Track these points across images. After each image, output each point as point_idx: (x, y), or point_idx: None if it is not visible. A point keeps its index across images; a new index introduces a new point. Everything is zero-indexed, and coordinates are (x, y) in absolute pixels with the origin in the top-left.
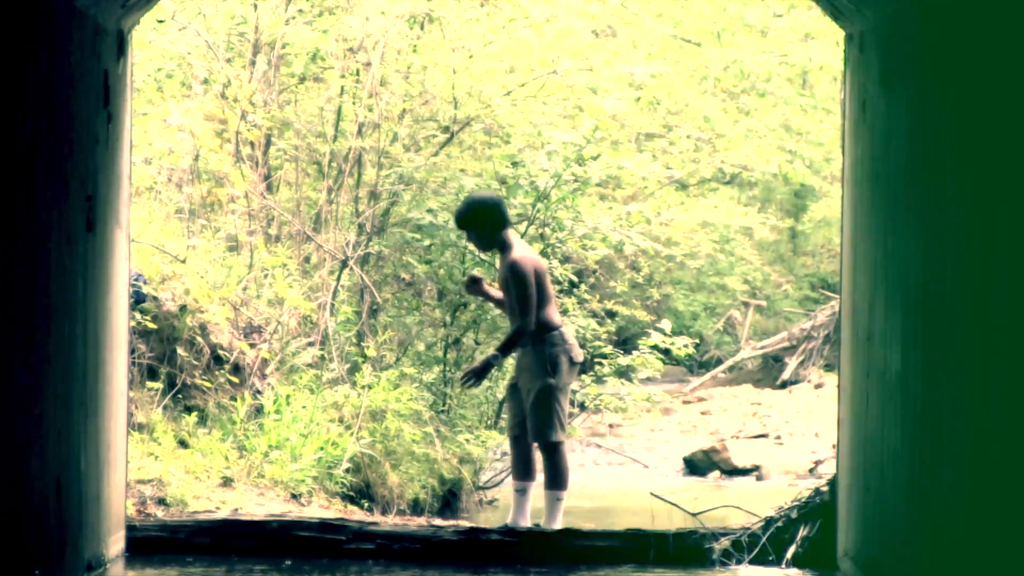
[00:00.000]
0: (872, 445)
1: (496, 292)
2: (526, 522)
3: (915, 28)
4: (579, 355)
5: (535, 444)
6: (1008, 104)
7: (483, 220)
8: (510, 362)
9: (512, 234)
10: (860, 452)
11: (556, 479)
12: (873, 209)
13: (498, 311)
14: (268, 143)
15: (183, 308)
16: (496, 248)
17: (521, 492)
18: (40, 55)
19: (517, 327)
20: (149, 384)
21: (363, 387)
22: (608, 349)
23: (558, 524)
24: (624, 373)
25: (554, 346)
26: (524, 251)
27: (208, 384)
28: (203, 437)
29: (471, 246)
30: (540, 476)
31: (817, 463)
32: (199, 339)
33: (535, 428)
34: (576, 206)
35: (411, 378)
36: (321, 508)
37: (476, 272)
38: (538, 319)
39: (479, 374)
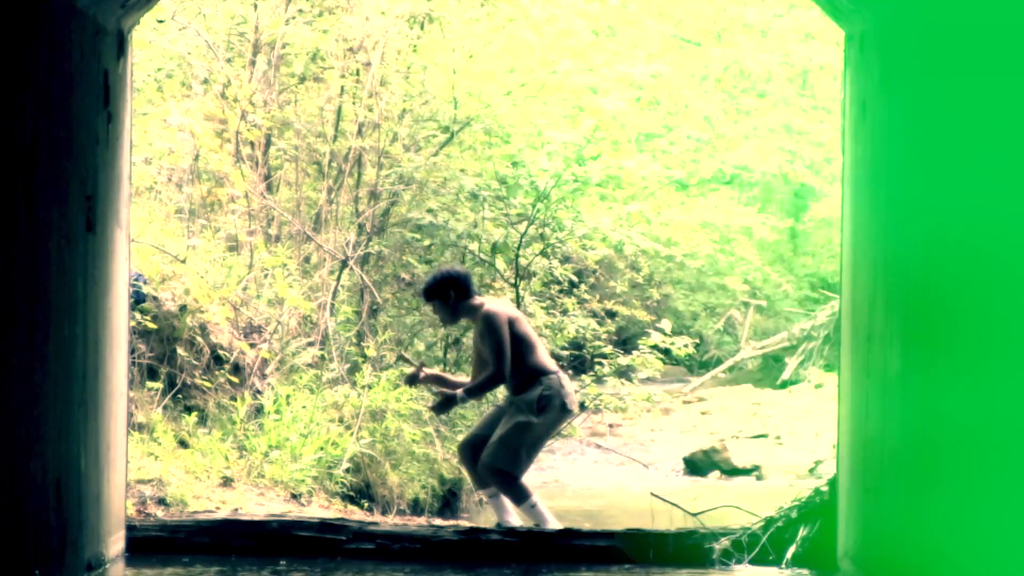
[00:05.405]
0: (872, 445)
1: (446, 375)
2: (515, 519)
3: (915, 28)
4: (573, 403)
5: (487, 465)
6: (1007, 103)
7: (447, 290)
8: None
9: (480, 297)
10: (860, 452)
11: (518, 496)
12: (873, 209)
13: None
14: (268, 143)
15: (183, 308)
16: (465, 317)
17: (493, 496)
18: (40, 55)
19: (490, 374)
20: (149, 384)
21: (363, 387)
22: (608, 349)
23: (554, 523)
24: (624, 373)
25: (548, 389)
26: (496, 304)
27: (208, 384)
28: (203, 437)
29: (437, 316)
30: None
31: (817, 463)
32: (199, 339)
33: (497, 452)
34: (576, 206)
35: None
36: (321, 508)
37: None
38: (529, 365)
39: (442, 407)
